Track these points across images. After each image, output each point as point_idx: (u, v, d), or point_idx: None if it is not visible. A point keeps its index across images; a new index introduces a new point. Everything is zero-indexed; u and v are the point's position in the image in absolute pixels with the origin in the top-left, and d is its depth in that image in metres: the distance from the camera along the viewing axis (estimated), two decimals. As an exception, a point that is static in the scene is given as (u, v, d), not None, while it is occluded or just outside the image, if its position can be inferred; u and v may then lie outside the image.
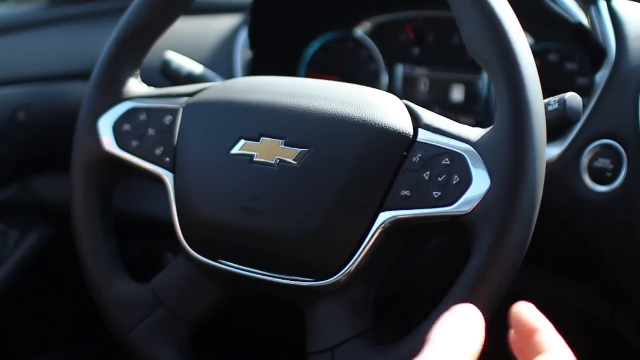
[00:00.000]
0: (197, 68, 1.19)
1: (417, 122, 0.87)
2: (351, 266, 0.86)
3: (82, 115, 1.04)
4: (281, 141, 0.90)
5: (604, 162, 1.04)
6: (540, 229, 0.81)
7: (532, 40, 1.25)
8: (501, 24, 0.79)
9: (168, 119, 0.99)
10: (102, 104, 1.03)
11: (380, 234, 0.85)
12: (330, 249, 0.87)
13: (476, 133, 0.83)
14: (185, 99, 1.00)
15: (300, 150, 0.88)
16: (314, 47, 1.45)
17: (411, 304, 1.20)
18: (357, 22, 1.42)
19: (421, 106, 0.89)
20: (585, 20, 1.15)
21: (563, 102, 0.88)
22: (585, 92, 1.08)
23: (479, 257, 0.77)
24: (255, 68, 1.36)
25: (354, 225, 0.86)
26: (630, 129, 1.03)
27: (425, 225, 0.85)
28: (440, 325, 0.56)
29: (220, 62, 1.37)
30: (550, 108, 0.88)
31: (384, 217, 0.84)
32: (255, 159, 0.90)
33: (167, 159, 0.98)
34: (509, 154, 0.77)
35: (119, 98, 1.03)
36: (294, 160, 0.88)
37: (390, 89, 1.39)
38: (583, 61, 1.21)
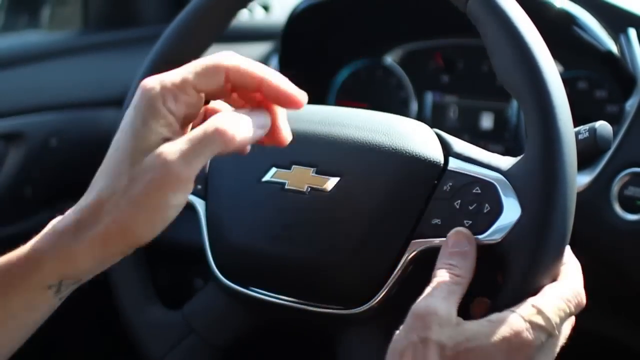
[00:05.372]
0: (228, 95, 1.20)
1: (447, 150, 0.87)
2: (382, 294, 0.86)
3: None
4: (312, 169, 0.90)
5: (634, 190, 1.04)
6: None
7: (561, 68, 1.25)
8: (531, 53, 0.79)
9: (200, 146, 1.00)
10: None
11: (412, 261, 0.85)
12: (362, 276, 0.87)
13: (507, 162, 0.83)
14: (217, 127, 1.01)
15: (331, 178, 0.89)
16: (343, 74, 1.45)
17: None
18: (387, 49, 1.43)
19: (450, 133, 0.90)
20: (614, 48, 1.15)
21: (593, 131, 0.87)
22: (614, 120, 1.08)
23: (509, 286, 0.77)
24: (285, 95, 1.37)
25: (385, 253, 0.86)
26: (660, 157, 1.03)
27: None
28: None
29: (250, 89, 1.37)
30: (580, 136, 0.88)
31: (414, 245, 0.84)
32: (286, 187, 0.91)
33: (199, 186, 0.99)
34: (539, 183, 0.77)
35: (152, 125, 1.03)
36: (325, 188, 0.89)
37: (420, 117, 1.40)
38: (612, 89, 1.21)
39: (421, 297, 0.75)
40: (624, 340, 1.21)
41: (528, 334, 0.72)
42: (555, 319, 0.74)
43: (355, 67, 1.45)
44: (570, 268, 0.81)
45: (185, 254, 1.29)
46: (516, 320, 0.73)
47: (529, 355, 0.72)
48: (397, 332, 0.74)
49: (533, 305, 0.74)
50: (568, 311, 0.76)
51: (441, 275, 0.77)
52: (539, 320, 0.73)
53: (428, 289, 0.76)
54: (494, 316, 0.74)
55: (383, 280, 0.86)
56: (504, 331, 0.72)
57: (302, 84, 1.39)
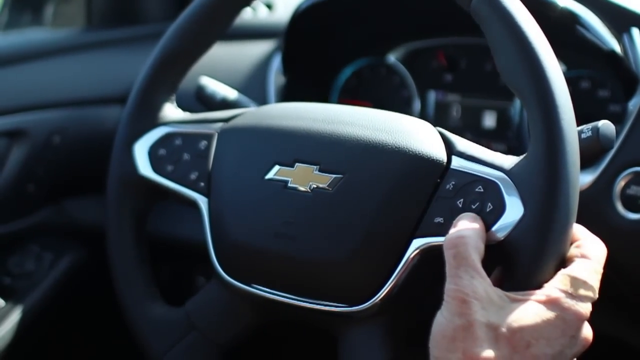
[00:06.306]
0: (231, 93, 1.20)
1: (450, 149, 0.87)
2: (384, 292, 0.86)
3: (118, 139, 1.05)
4: (315, 167, 0.90)
5: (636, 190, 1.04)
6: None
7: (564, 67, 1.25)
8: (535, 52, 0.79)
9: (203, 144, 1.00)
10: (138, 128, 1.04)
11: (413, 260, 0.85)
12: (363, 274, 0.87)
13: (509, 161, 0.83)
14: (220, 125, 1.01)
15: (334, 176, 0.89)
16: (346, 72, 1.45)
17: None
18: (390, 48, 1.43)
19: (453, 132, 0.90)
20: (617, 48, 1.15)
21: (596, 130, 0.87)
22: (617, 119, 1.08)
23: (512, 285, 0.77)
24: (288, 93, 1.37)
25: (387, 252, 0.86)
26: (663, 156, 1.02)
27: None
28: None
29: (253, 87, 1.38)
30: (583, 136, 0.87)
31: (417, 243, 0.84)
32: (289, 185, 0.91)
33: (202, 184, 0.99)
34: (542, 182, 0.77)
35: (155, 123, 1.04)
36: (327, 186, 0.89)
37: (422, 115, 1.40)
38: (615, 88, 1.21)
39: (449, 279, 0.75)
40: (625, 339, 1.21)
41: (579, 308, 0.75)
42: (596, 285, 0.77)
43: (358, 66, 1.45)
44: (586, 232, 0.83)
45: (188, 251, 1.29)
46: (565, 297, 0.74)
47: (580, 326, 0.75)
48: (439, 315, 0.74)
49: (577, 279, 0.76)
50: (601, 271, 0.78)
51: (454, 255, 0.76)
52: (585, 292, 0.76)
53: (450, 270, 0.75)
54: (541, 294, 0.75)
55: (385, 278, 0.86)
56: (556, 310, 0.74)
57: (305, 82, 1.41)
